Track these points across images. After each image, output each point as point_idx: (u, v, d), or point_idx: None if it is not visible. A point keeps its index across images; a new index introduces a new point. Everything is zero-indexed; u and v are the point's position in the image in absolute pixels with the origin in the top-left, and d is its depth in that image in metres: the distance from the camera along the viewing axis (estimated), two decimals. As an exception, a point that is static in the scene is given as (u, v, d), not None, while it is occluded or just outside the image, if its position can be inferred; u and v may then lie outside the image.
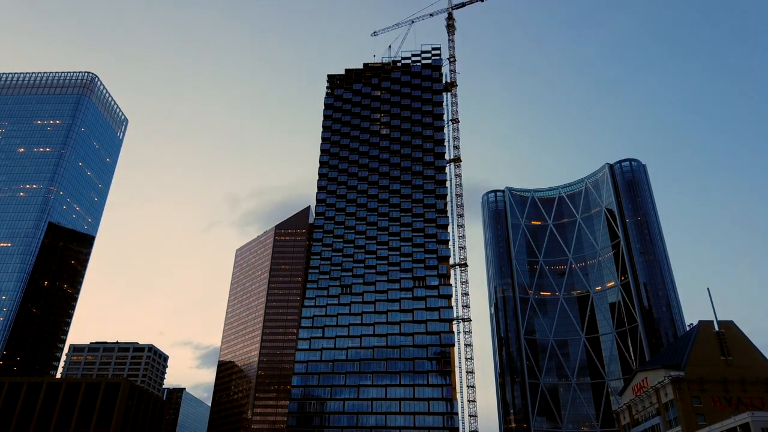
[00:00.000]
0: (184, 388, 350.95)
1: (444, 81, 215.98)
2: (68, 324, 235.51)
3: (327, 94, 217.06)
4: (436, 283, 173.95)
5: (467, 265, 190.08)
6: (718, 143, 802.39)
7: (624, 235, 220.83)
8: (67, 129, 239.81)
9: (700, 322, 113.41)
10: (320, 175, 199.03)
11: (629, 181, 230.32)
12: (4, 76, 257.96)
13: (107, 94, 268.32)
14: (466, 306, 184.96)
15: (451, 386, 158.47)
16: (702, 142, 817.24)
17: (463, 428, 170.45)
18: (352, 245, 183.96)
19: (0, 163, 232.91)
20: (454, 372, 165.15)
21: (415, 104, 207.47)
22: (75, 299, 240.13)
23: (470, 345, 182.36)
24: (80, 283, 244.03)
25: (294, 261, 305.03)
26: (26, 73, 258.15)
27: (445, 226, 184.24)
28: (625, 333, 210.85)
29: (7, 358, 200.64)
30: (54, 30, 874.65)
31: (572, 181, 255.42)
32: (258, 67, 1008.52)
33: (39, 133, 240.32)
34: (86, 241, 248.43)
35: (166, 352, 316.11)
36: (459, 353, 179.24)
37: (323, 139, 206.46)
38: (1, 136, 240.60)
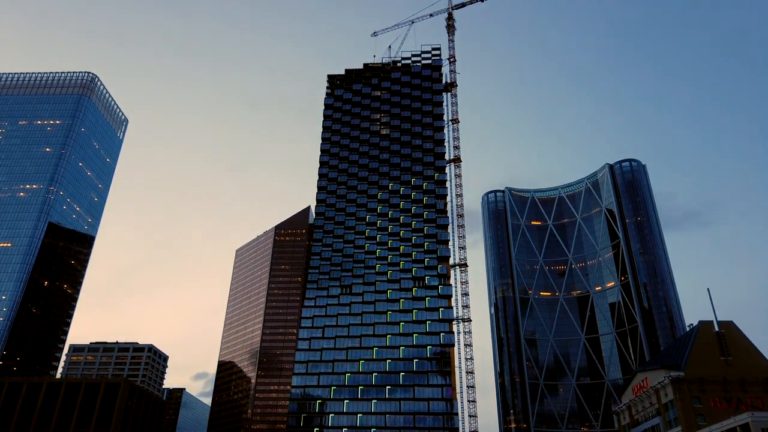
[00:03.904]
0: (184, 388, 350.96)
1: (444, 81, 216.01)
2: (68, 324, 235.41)
3: (327, 94, 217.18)
4: (436, 283, 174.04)
5: (467, 266, 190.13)
6: (718, 143, 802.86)
7: (624, 235, 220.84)
8: (67, 129, 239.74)
9: (700, 322, 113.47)
10: (320, 175, 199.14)
11: (629, 182, 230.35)
12: (4, 76, 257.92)
13: (107, 94, 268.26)
14: (465, 306, 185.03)
15: (451, 386, 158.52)
16: (702, 142, 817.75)
17: (463, 428, 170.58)
18: (351, 245, 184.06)
19: (0, 163, 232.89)
20: (454, 372, 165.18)
21: (415, 104, 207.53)
22: (75, 299, 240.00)
23: (470, 345, 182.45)
24: (80, 283, 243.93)
25: (294, 261, 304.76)
26: (26, 73, 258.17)
27: (445, 227, 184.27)
28: (625, 333, 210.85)
29: (7, 358, 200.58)
30: (54, 30, 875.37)
31: (572, 181, 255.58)
32: (258, 67, 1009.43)
33: (39, 133, 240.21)
34: (86, 241, 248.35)
35: (166, 352, 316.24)
36: (459, 353, 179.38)
37: (323, 139, 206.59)
38: (1, 136, 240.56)
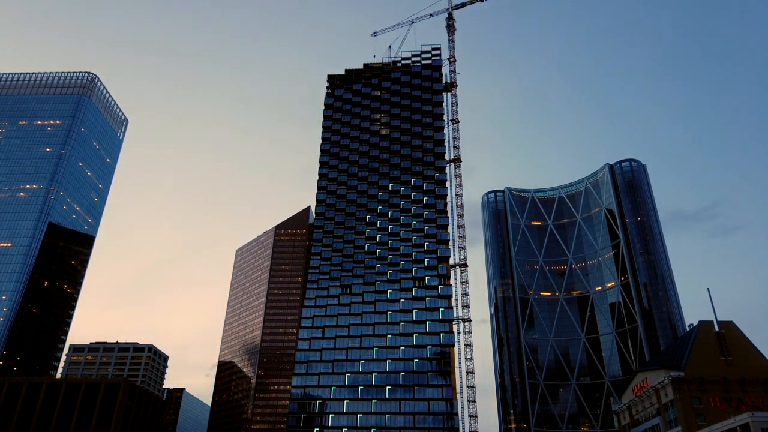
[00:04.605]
0: (184, 388, 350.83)
1: (444, 81, 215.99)
2: (68, 324, 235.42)
3: (327, 94, 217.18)
4: (436, 283, 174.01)
5: (467, 266, 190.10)
6: (718, 143, 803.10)
7: (624, 236, 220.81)
8: (67, 129, 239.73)
9: (700, 322, 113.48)
10: (320, 175, 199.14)
11: (629, 182, 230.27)
12: (4, 76, 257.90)
13: (107, 94, 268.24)
14: (466, 306, 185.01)
15: (451, 386, 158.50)
16: (702, 142, 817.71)
17: (463, 428, 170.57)
18: (351, 245, 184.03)
19: (0, 163, 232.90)
20: (454, 372, 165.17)
21: (415, 104, 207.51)
22: (75, 299, 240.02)
23: (470, 345, 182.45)
24: (80, 283, 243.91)
25: (294, 261, 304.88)
26: (26, 73, 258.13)
27: (445, 227, 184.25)
28: (625, 333, 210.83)
29: (7, 358, 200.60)
30: (54, 30, 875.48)
31: (572, 181, 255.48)
32: (258, 66, 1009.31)
33: (39, 133, 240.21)
34: (86, 241, 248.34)
35: (166, 352, 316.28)
36: (459, 353, 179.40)
37: (323, 139, 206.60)
38: (1, 136, 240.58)
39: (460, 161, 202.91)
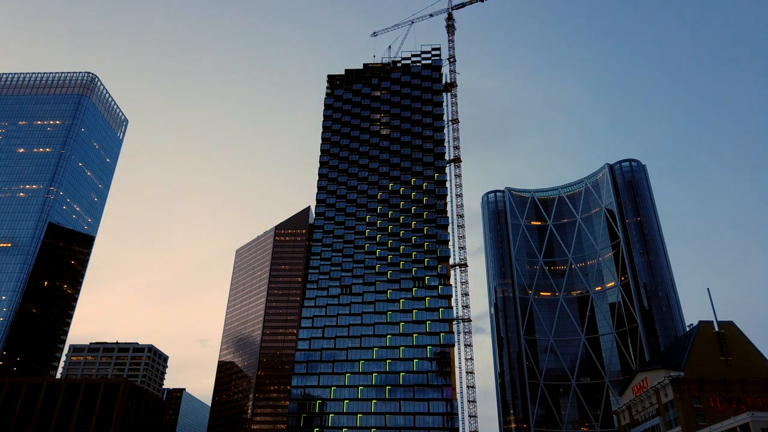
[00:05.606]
0: (184, 389, 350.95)
1: (444, 81, 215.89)
2: (68, 324, 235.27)
3: (327, 94, 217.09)
4: (436, 283, 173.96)
5: (467, 266, 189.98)
6: (718, 143, 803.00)
7: (624, 236, 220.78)
8: (67, 129, 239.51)
9: (700, 322, 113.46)
10: (320, 175, 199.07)
11: (629, 182, 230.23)
12: (4, 76, 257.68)
13: (107, 94, 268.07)
14: (466, 306, 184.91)
15: (451, 386, 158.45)
16: (702, 143, 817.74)
17: (463, 428, 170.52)
18: (351, 245, 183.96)
19: (0, 163, 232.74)
20: (454, 372, 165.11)
21: (415, 104, 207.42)
22: (75, 299, 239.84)
23: (470, 345, 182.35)
24: (80, 283, 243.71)
25: (294, 261, 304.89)
26: (26, 73, 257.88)
27: (445, 227, 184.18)
28: (625, 333, 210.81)
29: (7, 358, 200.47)
30: (54, 30, 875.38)
31: (572, 181, 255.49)
32: (258, 67, 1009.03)
33: (39, 133, 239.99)
34: (86, 241, 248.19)
35: (166, 352, 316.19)
36: (459, 353, 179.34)
37: (323, 139, 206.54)
38: (1, 136, 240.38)
39: (460, 161, 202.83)
